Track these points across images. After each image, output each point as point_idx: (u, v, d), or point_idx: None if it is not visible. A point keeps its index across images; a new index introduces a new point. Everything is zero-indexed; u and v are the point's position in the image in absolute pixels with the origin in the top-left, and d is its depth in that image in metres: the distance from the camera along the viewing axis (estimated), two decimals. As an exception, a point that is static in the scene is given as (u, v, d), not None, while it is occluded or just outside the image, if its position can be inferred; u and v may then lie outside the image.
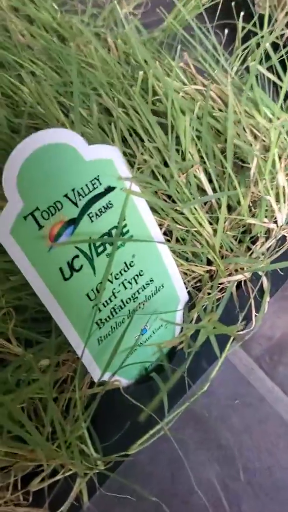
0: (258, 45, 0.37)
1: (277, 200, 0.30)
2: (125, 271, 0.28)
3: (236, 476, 0.32)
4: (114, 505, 0.30)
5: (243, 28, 0.37)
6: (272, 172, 0.30)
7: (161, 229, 0.29)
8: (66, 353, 0.28)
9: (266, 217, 0.30)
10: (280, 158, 0.29)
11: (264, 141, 0.30)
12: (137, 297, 0.29)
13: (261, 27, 0.37)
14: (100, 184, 0.26)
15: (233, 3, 0.38)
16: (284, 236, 0.31)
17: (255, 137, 0.31)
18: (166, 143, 0.29)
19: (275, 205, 0.29)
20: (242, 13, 0.37)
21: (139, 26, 0.33)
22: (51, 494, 0.26)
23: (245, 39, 0.38)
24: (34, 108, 0.33)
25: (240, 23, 0.37)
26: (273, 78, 0.33)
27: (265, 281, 0.32)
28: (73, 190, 0.25)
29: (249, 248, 0.32)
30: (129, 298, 0.28)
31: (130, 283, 0.28)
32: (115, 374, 0.28)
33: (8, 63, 0.36)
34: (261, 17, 0.37)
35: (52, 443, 0.25)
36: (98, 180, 0.25)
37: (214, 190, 0.31)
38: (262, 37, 0.37)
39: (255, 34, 0.37)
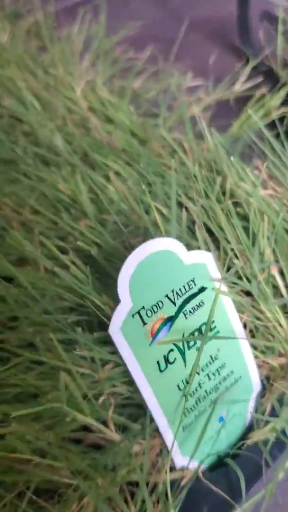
0: None
1: None
2: (210, 363, 0.30)
3: None
4: None
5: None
6: None
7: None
8: (153, 439, 0.30)
9: None
10: None
11: None
12: (218, 388, 0.31)
13: None
14: (195, 285, 0.28)
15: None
16: None
17: None
18: (246, 243, 0.32)
19: None
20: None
21: (215, 134, 0.37)
22: None
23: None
24: (118, 206, 0.37)
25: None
26: None
27: None
28: (172, 290, 0.28)
29: None
30: (212, 389, 0.31)
31: (214, 374, 0.30)
32: (202, 462, 0.30)
33: (96, 163, 0.40)
34: None
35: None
36: (193, 281, 0.28)
37: (287, 287, 0.34)
38: None
39: None
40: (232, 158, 0.38)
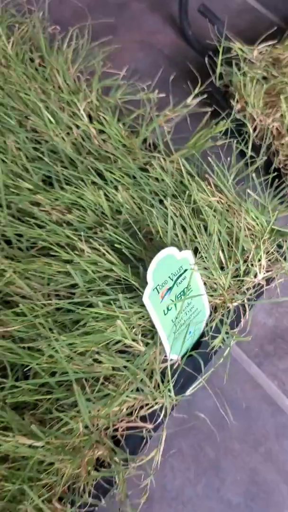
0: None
1: (259, 268, 0.59)
2: (187, 307, 0.56)
3: (223, 400, 0.63)
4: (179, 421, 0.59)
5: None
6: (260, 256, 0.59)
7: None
8: (160, 347, 0.56)
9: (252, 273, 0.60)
10: (266, 251, 0.58)
11: (256, 237, 0.59)
12: (190, 318, 0.57)
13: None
14: (182, 268, 0.53)
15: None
16: (259, 283, 0.61)
17: (248, 229, 0.60)
18: (205, 238, 0.57)
19: (258, 270, 0.59)
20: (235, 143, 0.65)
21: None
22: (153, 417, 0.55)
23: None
24: (125, 209, 0.59)
25: (231, 152, 0.64)
26: (254, 195, 0.61)
27: (247, 307, 0.61)
28: (171, 273, 0.52)
29: (239, 287, 0.61)
30: (187, 319, 0.57)
31: (188, 312, 0.56)
32: (182, 355, 0.57)
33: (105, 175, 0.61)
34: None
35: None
36: (182, 267, 0.53)
37: (225, 259, 0.60)
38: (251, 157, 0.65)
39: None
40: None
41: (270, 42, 0.77)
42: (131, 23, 1.01)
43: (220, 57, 0.70)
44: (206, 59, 0.73)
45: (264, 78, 0.73)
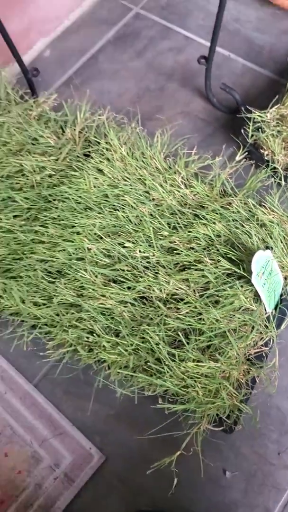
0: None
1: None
2: (272, 281, 0.99)
3: None
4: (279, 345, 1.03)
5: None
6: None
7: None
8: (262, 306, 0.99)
9: None
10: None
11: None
12: (274, 286, 1.00)
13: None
14: (267, 260, 0.96)
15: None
16: None
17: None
18: (276, 243, 1.01)
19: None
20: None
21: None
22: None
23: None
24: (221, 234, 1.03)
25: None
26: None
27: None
28: (263, 264, 0.96)
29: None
30: (273, 287, 1.00)
31: (273, 283, 1.00)
32: (274, 308, 1.01)
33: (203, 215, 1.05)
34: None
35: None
36: (267, 260, 0.96)
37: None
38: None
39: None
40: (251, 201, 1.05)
41: (276, 106, 1.20)
42: (170, 99, 1.45)
43: (251, 127, 1.14)
44: (242, 130, 1.17)
45: (279, 131, 1.17)
